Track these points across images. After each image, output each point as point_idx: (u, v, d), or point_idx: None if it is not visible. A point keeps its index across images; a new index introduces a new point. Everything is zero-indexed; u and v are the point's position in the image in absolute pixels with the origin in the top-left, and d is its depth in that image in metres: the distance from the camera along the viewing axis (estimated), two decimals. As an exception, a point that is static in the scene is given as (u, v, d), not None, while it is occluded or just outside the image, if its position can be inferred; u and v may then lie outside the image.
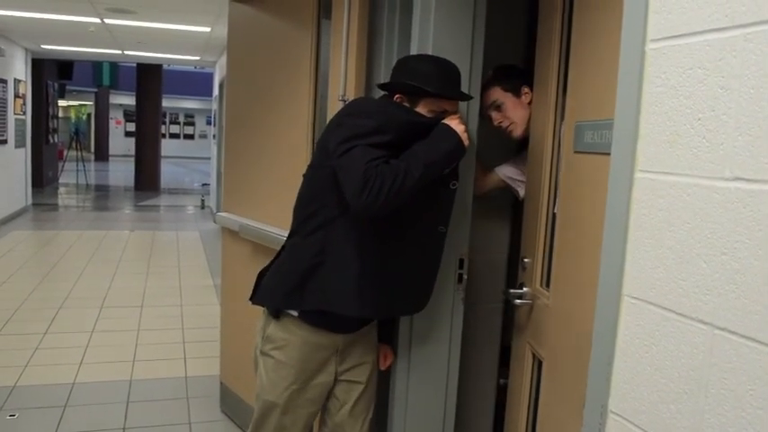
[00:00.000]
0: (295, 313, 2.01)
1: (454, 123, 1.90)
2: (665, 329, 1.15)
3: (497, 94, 2.32)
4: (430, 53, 2.08)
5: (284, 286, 1.99)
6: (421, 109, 1.94)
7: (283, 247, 2.09)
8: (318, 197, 1.95)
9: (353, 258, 1.91)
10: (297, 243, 2.00)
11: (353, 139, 1.77)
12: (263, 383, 2.09)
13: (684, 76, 1.12)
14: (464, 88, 2.08)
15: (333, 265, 1.92)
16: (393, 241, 1.96)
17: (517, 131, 2.31)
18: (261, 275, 2.13)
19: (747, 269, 1.00)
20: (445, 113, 1.95)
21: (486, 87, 2.30)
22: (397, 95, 1.97)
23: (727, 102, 1.04)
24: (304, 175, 2.07)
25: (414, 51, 2.13)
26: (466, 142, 1.90)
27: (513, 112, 2.30)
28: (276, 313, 2.05)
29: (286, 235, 2.13)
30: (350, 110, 1.95)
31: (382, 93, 2.08)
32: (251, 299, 2.13)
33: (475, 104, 2.20)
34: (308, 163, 2.11)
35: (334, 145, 1.81)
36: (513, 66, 2.42)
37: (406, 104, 1.95)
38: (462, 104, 2.10)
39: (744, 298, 1.01)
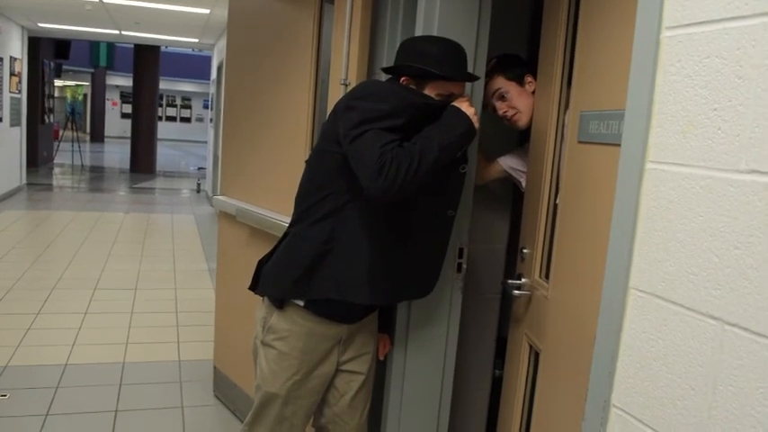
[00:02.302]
0: (301, 303, 1.98)
1: (464, 106, 1.86)
2: (674, 324, 1.13)
3: (501, 82, 2.28)
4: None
5: (291, 275, 1.94)
6: (428, 91, 1.90)
7: (285, 234, 2.05)
8: (326, 183, 1.90)
9: (364, 245, 1.88)
10: (302, 231, 1.95)
11: (366, 123, 1.73)
12: (263, 374, 2.06)
13: (701, 65, 1.09)
14: (467, 84, 2.05)
15: (342, 253, 1.89)
16: (403, 226, 1.93)
17: (522, 121, 2.27)
18: (260, 264, 2.09)
19: (761, 264, 0.98)
20: (453, 96, 1.91)
21: (488, 77, 2.27)
22: (403, 78, 1.93)
23: (745, 92, 1.01)
24: (307, 161, 2.03)
25: (418, 34, 2.09)
26: (476, 125, 1.86)
27: (517, 101, 2.27)
28: (280, 303, 2.01)
29: (284, 219, 2.10)
30: (360, 93, 1.88)
31: (385, 76, 2.05)
32: (253, 289, 2.09)
33: (479, 89, 2.17)
34: (312, 148, 2.07)
35: (345, 130, 1.76)
36: (515, 55, 2.39)
37: (413, 87, 1.92)
38: (467, 89, 2.07)
39: (756, 294, 0.98)
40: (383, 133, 1.71)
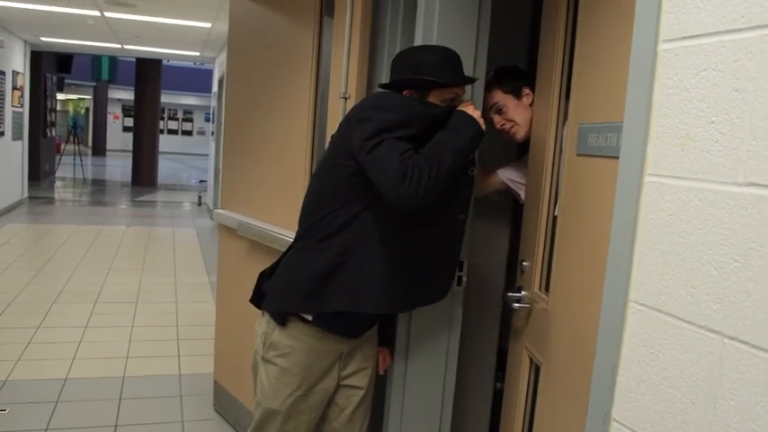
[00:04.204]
0: (309, 317, 1.96)
1: (470, 109, 1.88)
2: (673, 337, 1.13)
3: (498, 96, 2.29)
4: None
5: (301, 289, 1.92)
6: (432, 100, 1.92)
7: (290, 248, 2.03)
8: (336, 197, 1.89)
9: (378, 255, 1.88)
10: (312, 245, 1.93)
11: (382, 133, 1.74)
12: (264, 390, 2.04)
13: (698, 77, 1.09)
14: (468, 89, 2.07)
15: (356, 264, 1.88)
16: (415, 233, 1.93)
17: (520, 134, 2.27)
18: (261, 277, 2.09)
19: (760, 277, 0.97)
20: (456, 99, 1.94)
21: (486, 90, 2.27)
22: (406, 91, 1.94)
23: (742, 105, 1.01)
24: (314, 175, 2.02)
25: (417, 48, 2.10)
26: (483, 127, 1.88)
27: (514, 114, 2.27)
28: (282, 319, 2.00)
29: (284, 233, 2.09)
30: (373, 104, 1.90)
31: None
32: (254, 302, 2.09)
33: (479, 97, 2.17)
34: (319, 162, 2.06)
35: (361, 141, 1.76)
36: (513, 67, 2.39)
37: (415, 98, 1.93)
38: (467, 95, 2.08)
39: (755, 307, 0.98)
40: (399, 142, 1.73)
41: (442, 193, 1.84)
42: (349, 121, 1.89)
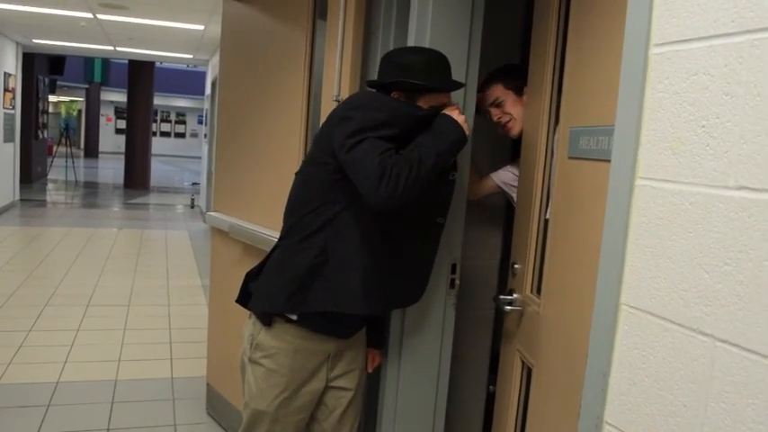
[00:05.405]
0: (293, 317, 1.96)
1: (455, 114, 1.88)
2: (665, 340, 1.13)
3: (499, 91, 2.31)
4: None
5: (285, 290, 1.91)
6: (421, 104, 1.91)
7: (275, 247, 2.03)
8: (318, 195, 1.89)
9: (357, 256, 1.88)
10: (294, 244, 1.93)
11: (362, 132, 1.73)
12: (251, 392, 2.04)
13: (688, 81, 1.10)
14: (460, 90, 2.07)
15: (337, 264, 1.88)
16: (394, 235, 1.94)
17: (515, 129, 2.29)
18: (248, 277, 2.08)
19: (751, 280, 0.98)
20: (443, 106, 1.93)
21: (487, 84, 2.29)
22: (394, 93, 1.93)
23: (732, 109, 1.02)
24: (298, 173, 2.02)
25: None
26: (467, 132, 1.88)
27: (512, 108, 2.29)
28: (268, 320, 1.99)
29: (277, 236, 2.08)
30: (355, 103, 1.89)
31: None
32: (243, 304, 2.08)
33: (471, 98, 2.18)
34: (304, 159, 2.06)
35: (342, 139, 1.76)
36: (517, 65, 2.42)
37: (402, 100, 1.92)
38: (459, 98, 2.09)
39: (746, 310, 0.98)
40: (380, 142, 1.72)
41: (422, 196, 1.84)
42: (331, 120, 1.89)
